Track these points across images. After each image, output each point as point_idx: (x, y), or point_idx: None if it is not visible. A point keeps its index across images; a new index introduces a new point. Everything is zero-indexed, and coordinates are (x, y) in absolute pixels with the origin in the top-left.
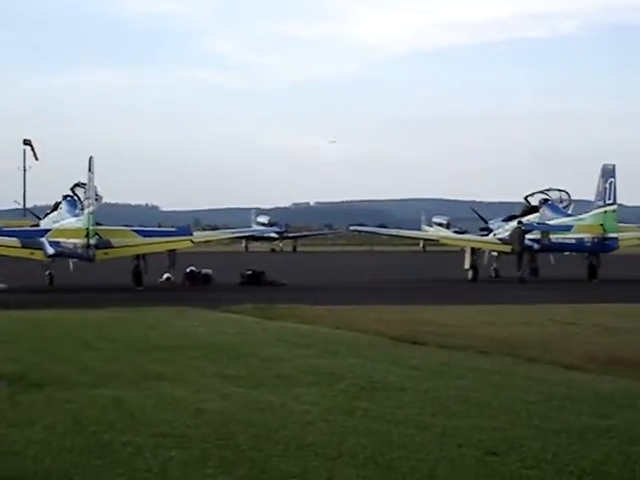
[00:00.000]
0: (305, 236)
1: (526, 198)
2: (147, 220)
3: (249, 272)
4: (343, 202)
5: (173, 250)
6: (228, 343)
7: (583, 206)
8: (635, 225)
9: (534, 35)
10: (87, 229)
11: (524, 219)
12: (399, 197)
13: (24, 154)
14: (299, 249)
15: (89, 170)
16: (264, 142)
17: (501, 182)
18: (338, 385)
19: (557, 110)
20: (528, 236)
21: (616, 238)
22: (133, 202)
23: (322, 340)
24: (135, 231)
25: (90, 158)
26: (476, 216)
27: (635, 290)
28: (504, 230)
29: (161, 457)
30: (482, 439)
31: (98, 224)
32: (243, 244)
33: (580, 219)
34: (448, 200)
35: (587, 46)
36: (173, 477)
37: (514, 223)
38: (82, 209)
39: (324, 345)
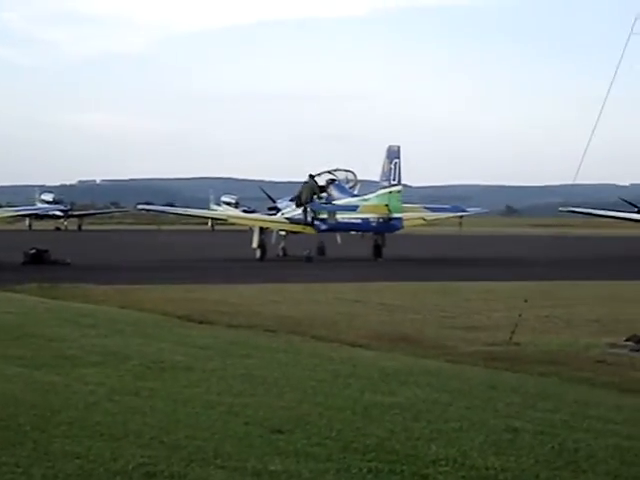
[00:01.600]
0: (91, 214)
1: (312, 177)
2: None
3: (32, 251)
4: (130, 180)
5: None
6: (10, 323)
7: (369, 186)
8: (420, 205)
9: (325, 15)
10: None
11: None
12: (188, 176)
13: None
14: (85, 228)
15: None
16: (49, 118)
17: (290, 162)
18: (124, 365)
19: (346, 91)
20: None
21: (400, 218)
22: None
23: (108, 320)
24: None
25: None
26: (265, 195)
27: (419, 269)
28: (292, 209)
29: None
30: (268, 417)
31: None
32: (27, 222)
33: (365, 199)
34: (237, 179)
35: (377, 28)
36: None
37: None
38: None
39: (110, 325)
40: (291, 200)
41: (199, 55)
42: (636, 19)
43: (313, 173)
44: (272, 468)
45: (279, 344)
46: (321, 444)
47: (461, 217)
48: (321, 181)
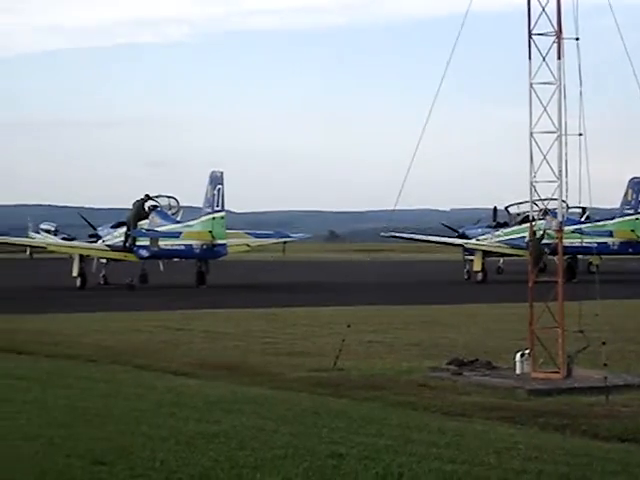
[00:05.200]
0: None
1: (146, 199)
2: None
3: None
4: None
5: None
6: None
7: (193, 213)
8: (243, 231)
9: (144, 40)
10: None
11: None
12: (3, 203)
13: None
14: None
15: None
16: None
17: (111, 188)
18: None
19: (167, 116)
20: (138, 242)
21: (225, 245)
22: None
23: None
24: None
25: None
26: (85, 222)
27: (243, 295)
28: (113, 237)
29: None
30: (90, 448)
31: None
32: None
33: (189, 225)
34: (56, 206)
35: (198, 53)
36: None
37: (123, 230)
38: None
39: None
40: (112, 227)
41: (11, 81)
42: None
43: (150, 194)
44: None
45: (100, 374)
46: (144, 475)
47: (285, 243)
48: (144, 207)
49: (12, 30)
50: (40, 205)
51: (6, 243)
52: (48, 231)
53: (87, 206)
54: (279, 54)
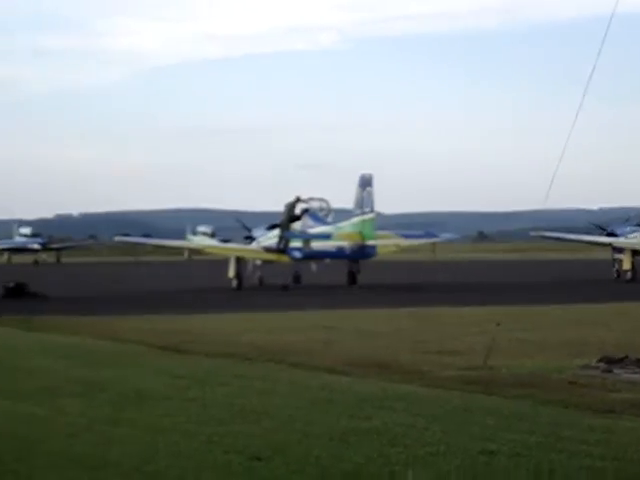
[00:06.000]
0: (69, 247)
1: (287, 205)
2: None
3: (11, 284)
4: (107, 213)
5: None
6: None
7: (343, 215)
8: (393, 232)
9: (297, 48)
10: None
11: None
12: (164, 207)
13: None
14: (63, 260)
15: None
16: (24, 152)
17: (265, 192)
18: (103, 395)
19: (318, 120)
20: (291, 244)
21: (374, 245)
22: None
23: (86, 351)
24: None
25: None
26: (240, 225)
27: (393, 295)
28: (267, 239)
29: None
30: (247, 445)
31: None
32: (5, 256)
33: (339, 227)
34: (212, 210)
35: (349, 59)
36: None
37: (277, 232)
38: None
39: (88, 356)
40: (267, 229)
41: (170, 88)
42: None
43: (301, 197)
44: None
45: (256, 372)
46: (299, 471)
47: (434, 243)
48: (296, 210)
49: (174, 37)
50: (197, 209)
51: (166, 246)
52: (205, 234)
53: (241, 210)
54: (424, 57)
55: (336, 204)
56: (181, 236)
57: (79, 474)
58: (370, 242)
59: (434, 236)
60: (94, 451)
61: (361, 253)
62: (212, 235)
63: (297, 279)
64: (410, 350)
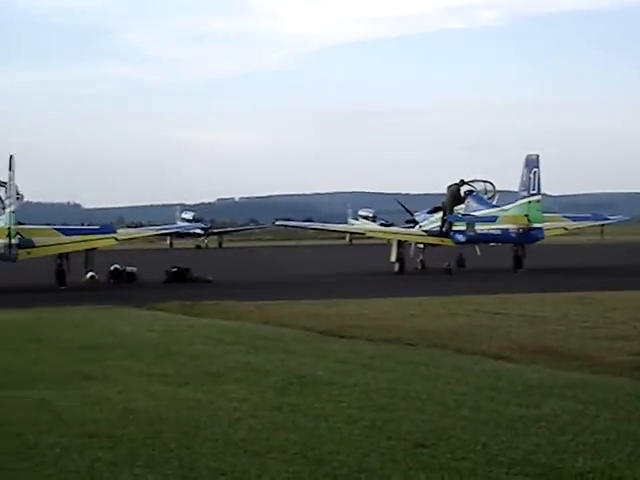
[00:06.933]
0: (231, 232)
1: (461, 183)
2: (70, 218)
3: (174, 269)
4: (268, 197)
5: (93, 249)
6: (154, 341)
7: (508, 197)
8: (560, 215)
9: (454, 26)
10: (9, 228)
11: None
12: (324, 191)
13: None
14: (225, 245)
15: (9, 169)
16: (186, 137)
17: (426, 173)
18: (266, 381)
19: (481, 101)
20: (454, 227)
21: (541, 228)
22: (55, 200)
23: (249, 336)
24: (57, 230)
25: (10, 157)
26: (401, 208)
27: (560, 279)
28: (429, 222)
29: (88, 457)
30: (411, 431)
31: (20, 223)
32: (168, 241)
33: (505, 210)
34: (374, 193)
35: (506, 37)
36: (101, 477)
37: (439, 215)
38: (3, 208)
39: (251, 341)
40: (429, 212)
41: (335, 70)
42: None
43: (450, 183)
44: None
45: (420, 358)
46: (465, 458)
47: (603, 226)
48: (460, 192)
49: (318, 21)
50: (358, 192)
51: (326, 230)
52: (366, 217)
53: (403, 192)
54: (593, 33)
55: (501, 186)
56: (342, 220)
57: (242, 460)
58: (537, 225)
59: (603, 218)
60: (257, 437)
61: (527, 236)
62: (373, 219)
63: (461, 263)
64: (579, 336)
